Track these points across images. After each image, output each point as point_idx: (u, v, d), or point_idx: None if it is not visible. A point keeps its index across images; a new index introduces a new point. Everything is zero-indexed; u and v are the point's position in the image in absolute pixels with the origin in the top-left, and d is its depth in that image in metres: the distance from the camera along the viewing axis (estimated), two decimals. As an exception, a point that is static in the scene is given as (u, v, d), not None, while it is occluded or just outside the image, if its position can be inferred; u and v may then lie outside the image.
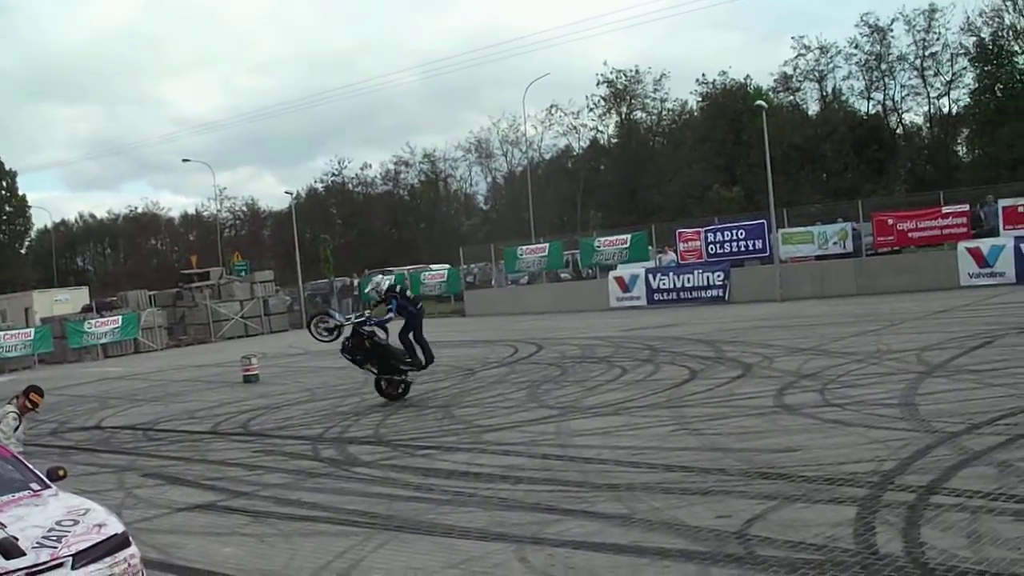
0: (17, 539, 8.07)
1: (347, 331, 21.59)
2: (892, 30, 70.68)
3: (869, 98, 74.45)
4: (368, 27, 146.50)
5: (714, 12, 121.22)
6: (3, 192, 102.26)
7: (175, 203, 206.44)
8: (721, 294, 41.71)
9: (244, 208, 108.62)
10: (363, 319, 21.56)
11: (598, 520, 10.19)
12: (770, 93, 73.94)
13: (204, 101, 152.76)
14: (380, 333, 21.36)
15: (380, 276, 24.67)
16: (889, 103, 74.14)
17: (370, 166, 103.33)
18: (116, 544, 8.58)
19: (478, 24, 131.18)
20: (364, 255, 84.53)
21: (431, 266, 62.55)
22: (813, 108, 76.76)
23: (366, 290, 23.68)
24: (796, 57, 74.75)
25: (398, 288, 23.12)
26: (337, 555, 10.09)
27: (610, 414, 16.74)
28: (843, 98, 75.54)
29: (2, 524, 8.32)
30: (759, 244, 41.91)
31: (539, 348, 29.24)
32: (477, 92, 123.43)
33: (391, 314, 21.44)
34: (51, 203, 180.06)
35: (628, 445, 13.87)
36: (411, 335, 21.97)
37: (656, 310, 41.23)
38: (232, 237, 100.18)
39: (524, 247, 52.20)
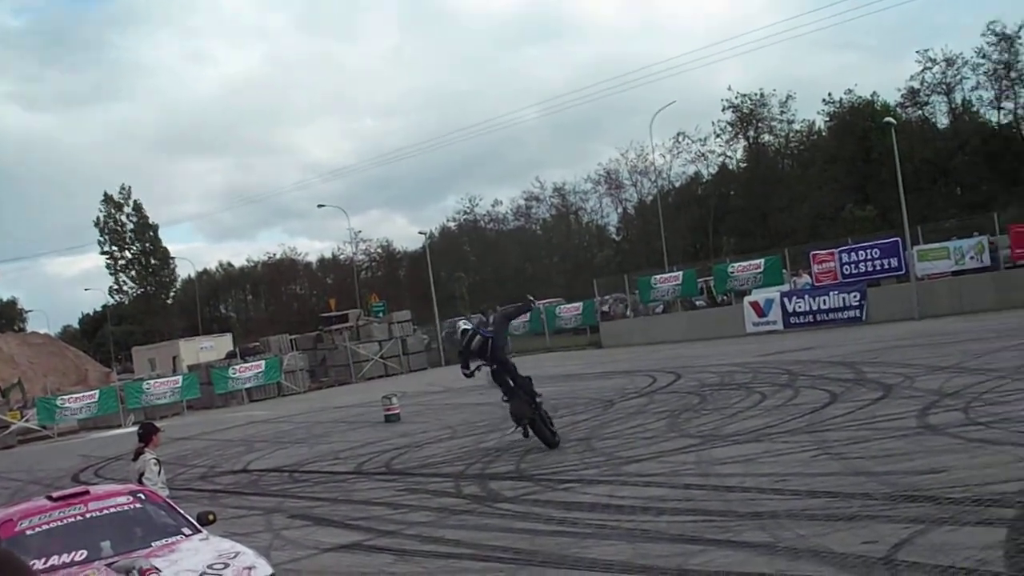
0: (172, 583, 8.32)
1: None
2: (1020, 37, 69.10)
3: (1000, 108, 73.00)
4: (486, 64, 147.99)
5: (833, 32, 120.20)
6: (148, 245, 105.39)
7: (311, 248, 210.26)
8: (858, 315, 41.20)
9: (379, 250, 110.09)
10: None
11: (743, 550, 10.13)
12: (898, 109, 72.92)
13: (331, 147, 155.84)
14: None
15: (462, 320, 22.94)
16: (1021, 112, 72.43)
17: (501, 203, 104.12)
18: (265, 586, 8.81)
19: (595, 57, 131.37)
20: (499, 291, 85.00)
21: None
22: (943, 121, 75.63)
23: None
24: (922, 71, 73.72)
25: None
26: (483, 592, 10.19)
27: (751, 441, 16.61)
28: (973, 109, 74.19)
29: (157, 568, 8.56)
30: (894, 262, 41.35)
31: (677, 377, 29.13)
32: (601, 124, 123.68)
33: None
34: (191, 254, 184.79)
35: (770, 472, 13.77)
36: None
37: (793, 334, 40.84)
38: (369, 279, 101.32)
39: (658, 276, 52.15)
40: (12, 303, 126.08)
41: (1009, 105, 72.50)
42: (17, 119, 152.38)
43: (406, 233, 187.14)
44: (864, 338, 33.00)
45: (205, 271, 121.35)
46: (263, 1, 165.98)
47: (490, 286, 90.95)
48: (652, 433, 19.29)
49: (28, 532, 9.62)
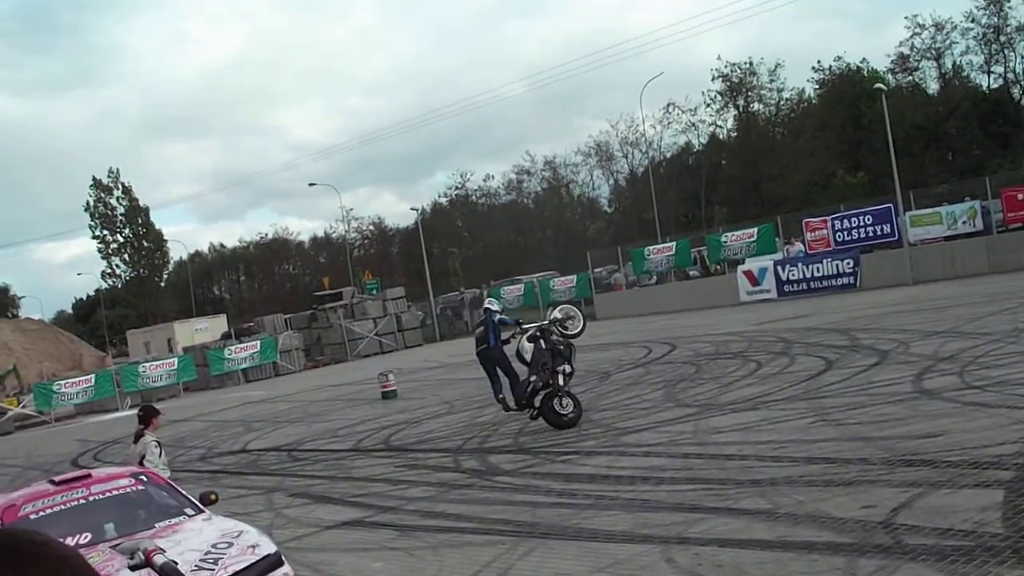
0: (176, 563, 8.34)
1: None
2: (1009, 0, 68.99)
3: (990, 72, 72.82)
4: (471, 40, 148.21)
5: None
6: (140, 228, 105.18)
7: (301, 227, 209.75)
8: (852, 281, 41.20)
9: (371, 227, 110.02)
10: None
11: (743, 517, 10.19)
12: (888, 75, 72.77)
13: (317, 126, 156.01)
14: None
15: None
16: (1011, 75, 72.27)
17: (492, 177, 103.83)
18: (270, 564, 8.84)
19: (578, 30, 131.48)
20: (492, 266, 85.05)
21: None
22: (933, 87, 75.46)
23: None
24: (911, 36, 73.46)
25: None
26: (485, 565, 10.22)
27: (748, 409, 16.67)
28: (963, 74, 74.11)
29: (161, 549, 8.58)
30: (887, 228, 41.33)
31: (672, 347, 29.17)
32: (589, 97, 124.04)
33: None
34: (183, 236, 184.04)
35: (768, 440, 13.83)
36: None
37: (787, 302, 40.85)
38: (361, 256, 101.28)
39: (651, 247, 52.10)
40: (4, 289, 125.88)
41: (999, 69, 72.41)
42: (1, 105, 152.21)
43: (396, 210, 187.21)
44: (858, 304, 33.05)
45: (197, 253, 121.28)
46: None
47: (483, 261, 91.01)
48: (649, 403, 19.35)
49: (32, 516, 9.63)
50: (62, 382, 48.76)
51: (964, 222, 39.62)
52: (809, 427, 14.26)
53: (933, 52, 73.71)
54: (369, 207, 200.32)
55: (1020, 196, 38.33)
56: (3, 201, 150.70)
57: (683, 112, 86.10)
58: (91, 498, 10.07)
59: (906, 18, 73.82)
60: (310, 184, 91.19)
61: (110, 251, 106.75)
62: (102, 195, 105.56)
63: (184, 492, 10.73)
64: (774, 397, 17.48)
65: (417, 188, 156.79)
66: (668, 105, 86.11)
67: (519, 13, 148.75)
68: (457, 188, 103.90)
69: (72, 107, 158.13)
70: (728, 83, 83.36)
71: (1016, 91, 72.54)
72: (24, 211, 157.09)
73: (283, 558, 9.06)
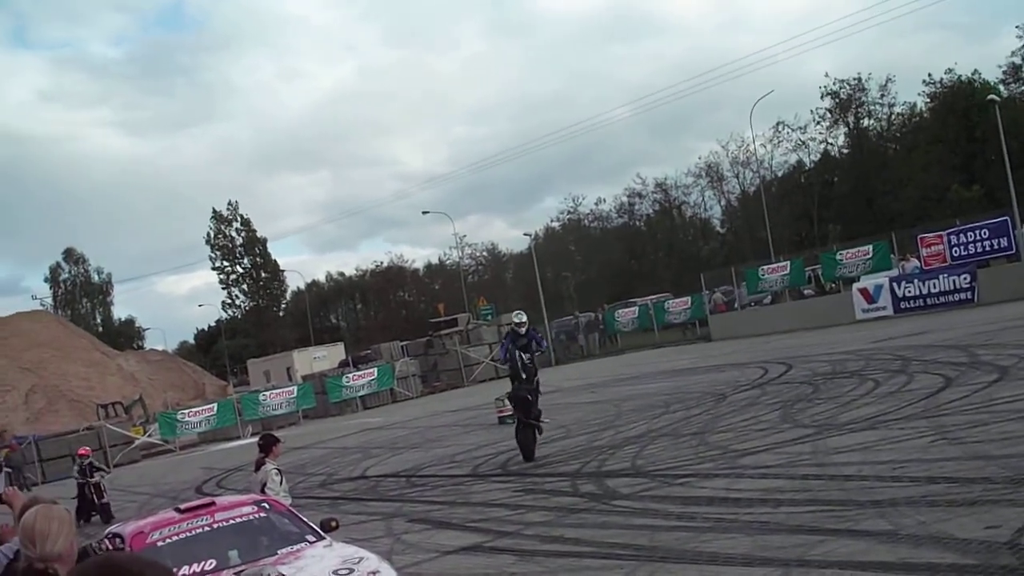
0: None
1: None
2: None
3: (1107, 76, 71.25)
4: (576, 66, 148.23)
5: (925, 13, 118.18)
6: (258, 259, 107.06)
7: (415, 255, 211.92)
8: (969, 297, 40.51)
9: (485, 253, 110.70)
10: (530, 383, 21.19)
11: (863, 539, 10.08)
12: (1000, 85, 71.52)
13: (426, 155, 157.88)
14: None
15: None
16: None
17: (604, 200, 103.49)
18: (390, 589, 9.02)
19: (681, 53, 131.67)
20: (606, 289, 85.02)
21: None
22: (1047, 95, 73.93)
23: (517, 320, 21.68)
24: (1022, 47, 72.26)
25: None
26: (605, 589, 10.27)
27: (866, 429, 16.47)
28: (1079, 79, 72.64)
29: (284, 575, 8.81)
30: (1004, 242, 40.56)
31: (788, 367, 28.94)
32: (697, 118, 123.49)
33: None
34: (298, 266, 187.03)
35: (888, 459, 13.66)
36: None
37: (903, 319, 40.26)
38: (475, 282, 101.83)
39: (765, 267, 51.68)
40: (130, 322, 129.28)
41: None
42: (121, 145, 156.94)
43: (506, 236, 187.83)
44: (976, 320, 32.48)
45: (315, 282, 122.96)
46: (351, 16, 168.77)
47: (597, 284, 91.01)
48: (766, 425, 19.23)
49: (159, 543, 9.95)
50: (186, 411, 49.87)
51: (1085, 231, 38.86)
52: (929, 446, 14.06)
53: (1046, 60, 72.44)
54: (480, 234, 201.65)
55: None
56: (127, 236, 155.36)
57: (793, 130, 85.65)
58: (215, 525, 10.36)
59: (1017, 27, 72.27)
60: (423, 212, 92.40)
61: (230, 281, 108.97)
62: (222, 227, 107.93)
63: (305, 519, 10.94)
64: (893, 416, 17.26)
65: (527, 213, 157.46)
66: (778, 124, 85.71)
67: (623, 37, 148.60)
68: (569, 212, 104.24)
69: (189, 144, 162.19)
70: (837, 100, 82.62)
71: None
72: (147, 246, 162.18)
73: (404, 583, 9.22)
